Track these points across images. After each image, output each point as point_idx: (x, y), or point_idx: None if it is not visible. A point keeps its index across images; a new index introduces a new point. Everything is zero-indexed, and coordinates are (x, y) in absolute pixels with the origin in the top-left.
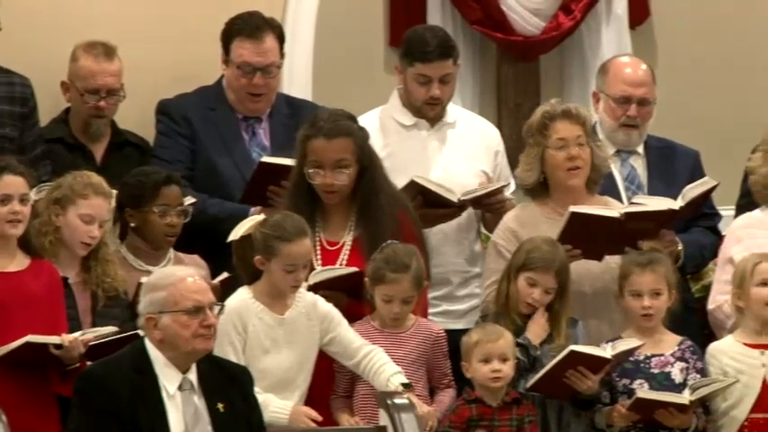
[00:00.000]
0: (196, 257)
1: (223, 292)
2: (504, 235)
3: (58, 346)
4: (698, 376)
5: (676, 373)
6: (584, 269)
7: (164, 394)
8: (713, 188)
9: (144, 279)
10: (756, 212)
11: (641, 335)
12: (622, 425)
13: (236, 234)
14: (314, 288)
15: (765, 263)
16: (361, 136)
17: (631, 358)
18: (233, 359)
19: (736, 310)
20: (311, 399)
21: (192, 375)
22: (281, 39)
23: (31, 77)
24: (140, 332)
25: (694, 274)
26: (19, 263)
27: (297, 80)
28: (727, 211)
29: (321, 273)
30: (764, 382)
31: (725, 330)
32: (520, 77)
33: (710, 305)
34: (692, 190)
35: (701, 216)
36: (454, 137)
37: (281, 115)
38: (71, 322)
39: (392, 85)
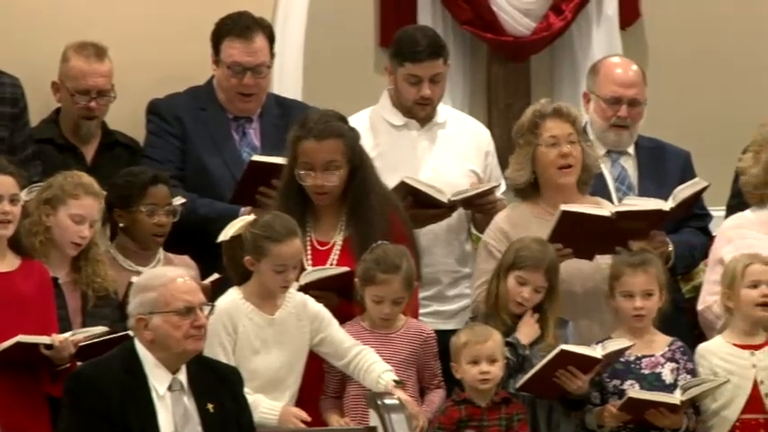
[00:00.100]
0: (186, 258)
1: (214, 292)
2: (494, 235)
3: (49, 347)
4: (688, 377)
5: (667, 373)
6: (575, 269)
7: (153, 395)
8: (704, 189)
9: (134, 279)
10: (747, 213)
11: (632, 335)
12: (613, 425)
13: (225, 234)
14: (305, 288)
15: (756, 264)
16: (352, 137)
17: (622, 359)
18: (223, 360)
19: (725, 310)
20: (301, 399)
21: (182, 376)
22: (270, 39)
23: (21, 78)
24: (131, 333)
25: (685, 275)
26: (9, 263)
27: (287, 80)
28: (717, 211)
29: (312, 273)
30: (755, 382)
31: (715, 331)
32: (510, 78)
33: (700, 305)
34: (683, 191)
35: (692, 217)
36: (444, 137)
37: (272, 115)
38: (61, 322)
39: (383, 86)
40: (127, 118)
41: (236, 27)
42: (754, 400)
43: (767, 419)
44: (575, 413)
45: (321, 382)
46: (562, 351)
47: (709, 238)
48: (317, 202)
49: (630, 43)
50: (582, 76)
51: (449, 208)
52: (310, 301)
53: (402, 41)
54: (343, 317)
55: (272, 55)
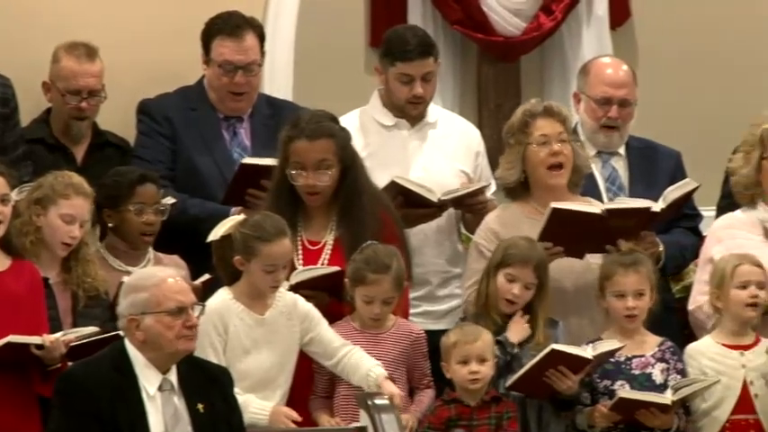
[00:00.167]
0: (175, 257)
1: (204, 292)
2: (485, 235)
3: (40, 347)
4: (678, 377)
5: (657, 373)
6: (566, 266)
7: (143, 395)
8: (694, 190)
9: (125, 279)
10: (737, 213)
11: (622, 336)
12: (604, 425)
13: (215, 234)
14: (295, 288)
15: (745, 265)
16: (344, 137)
17: (612, 359)
18: (213, 360)
19: (714, 310)
20: (291, 399)
21: (173, 376)
22: (261, 37)
23: (12, 78)
24: (122, 333)
25: (675, 275)
26: (0, 263)
27: (278, 80)
28: (708, 211)
29: (302, 272)
30: (745, 383)
31: (705, 330)
32: (500, 78)
33: (691, 305)
34: (673, 192)
35: (683, 217)
36: (435, 137)
37: (262, 115)
38: (52, 322)
39: (373, 86)
40: (117, 118)
41: (226, 26)
42: (743, 401)
43: (757, 420)
44: (565, 413)
45: (311, 382)
46: (553, 350)
47: (700, 238)
48: (308, 202)
49: (621, 43)
50: (572, 76)
51: (439, 207)
52: (300, 300)
53: (392, 41)
54: (333, 316)
55: (262, 54)
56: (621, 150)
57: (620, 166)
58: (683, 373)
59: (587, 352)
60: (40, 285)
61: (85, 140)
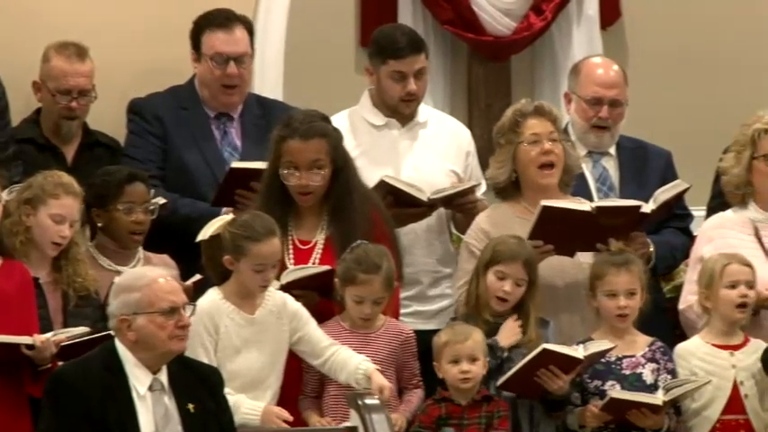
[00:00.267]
0: (165, 257)
1: (194, 293)
2: (476, 235)
3: (30, 347)
4: (669, 377)
5: (647, 374)
6: (557, 264)
7: (134, 395)
8: (685, 191)
9: (116, 279)
10: (728, 213)
11: (613, 336)
12: (594, 425)
13: (204, 234)
14: (286, 287)
15: (734, 264)
16: (336, 137)
17: (603, 360)
18: (204, 360)
19: (703, 310)
20: (281, 398)
21: (163, 376)
22: (250, 32)
23: (2, 77)
24: (113, 333)
25: (666, 275)
26: None
27: (268, 80)
28: (698, 211)
29: (293, 272)
30: (735, 383)
31: (696, 330)
32: (491, 78)
33: (682, 305)
34: (664, 193)
35: (673, 217)
36: (425, 137)
37: (253, 115)
38: (42, 322)
39: (364, 85)
40: (108, 118)
41: (216, 19)
42: (734, 401)
43: (747, 420)
44: (555, 414)
45: (300, 382)
46: (544, 350)
47: (690, 238)
48: (300, 202)
49: (611, 43)
50: (562, 76)
51: (428, 207)
52: (289, 299)
53: (381, 40)
54: (323, 316)
55: (252, 48)
56: (612, 150)
57: (610, 166)
58: (673, 373)
59: (578, 352)
60: (30, 285)
61: (76, 140)
